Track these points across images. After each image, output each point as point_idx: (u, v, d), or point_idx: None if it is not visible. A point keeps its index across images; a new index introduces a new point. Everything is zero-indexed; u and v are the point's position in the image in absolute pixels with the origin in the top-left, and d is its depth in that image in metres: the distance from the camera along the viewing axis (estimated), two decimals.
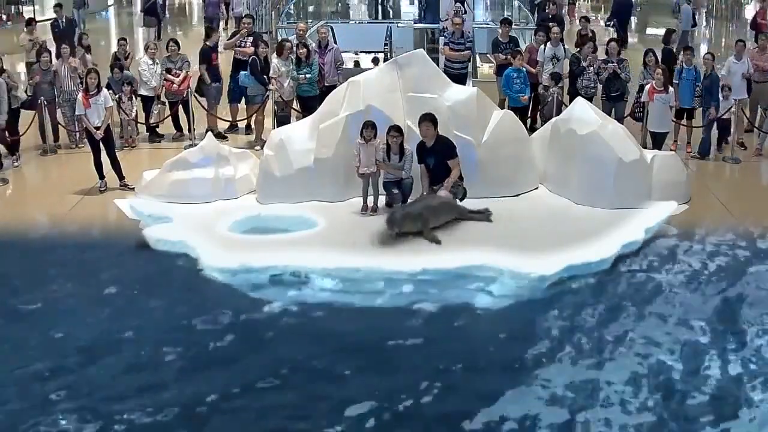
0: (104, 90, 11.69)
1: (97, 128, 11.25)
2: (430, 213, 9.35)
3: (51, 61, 13.44)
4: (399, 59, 11.18)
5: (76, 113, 11.83)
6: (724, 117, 12.92)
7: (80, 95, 11.46)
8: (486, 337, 7.56)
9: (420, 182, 9.97)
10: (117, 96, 13.16)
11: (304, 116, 12.41)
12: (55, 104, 13.31)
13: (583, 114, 10.65)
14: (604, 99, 13.27)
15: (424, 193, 9.84)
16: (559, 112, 12.48)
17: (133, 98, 13.58)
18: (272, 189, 10.46)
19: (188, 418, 6.39)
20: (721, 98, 12.82)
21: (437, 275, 8.56)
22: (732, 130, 12.95)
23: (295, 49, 13.30)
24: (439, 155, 9.79)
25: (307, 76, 13.16)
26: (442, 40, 15.23)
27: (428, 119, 9.77)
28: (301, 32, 14.27)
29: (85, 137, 12.17)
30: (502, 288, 8.43)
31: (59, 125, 13.47)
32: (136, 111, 13.69)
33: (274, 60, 13.37)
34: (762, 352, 7.36)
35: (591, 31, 16.24)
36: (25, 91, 13.41)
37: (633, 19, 28.94)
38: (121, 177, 11.47)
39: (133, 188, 11.05)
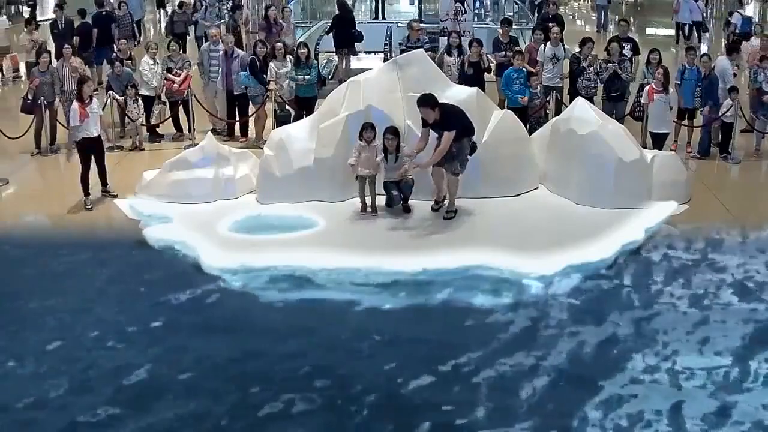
0: (95, 99, 11.27)
1: (98, 138, 10.99)
2: None
3: (50, 62, 13.33)
4: (399, 59, 11.20)
5: (71, 125, 11.10)
6: (728, 121, 12.84)
7: (76, 105, 10.84)
8: (486, 337, 7.55)
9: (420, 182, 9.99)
10: (122, 99, 13.12)
11: (298, 115, 12.76)
12: (54, 106, 13.16)
13: (583, 114, 10.66)
14: (604, 99, 13.27)
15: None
16: (559, 111, 12.49)
17: (138, 101, 13.52)
18: (272, 189, 10.47)
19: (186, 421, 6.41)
20: (728, 101, 12.75)
21: (437, 275, 8.57)
22: (734, 133, 12.89)
23: (295, 50, 13.34)
24: (442, 130, 9.61)
25: (306, 77, 13.18)
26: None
27: (423, 103, 9.58)
28: (214, 38, 14.11)
29: (75, 148, 11.36)
30: (502, 288, 8.44)
31: (60, 125, 13.39)
32: (144, 114, 13.59)
33: (271, 63, 13.40)
34: (761, 350, 7.36)
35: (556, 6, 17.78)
36: (24, 96, 13.13)
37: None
38: (104, 183, 11.16)
39: (116, 195, 10.91)
